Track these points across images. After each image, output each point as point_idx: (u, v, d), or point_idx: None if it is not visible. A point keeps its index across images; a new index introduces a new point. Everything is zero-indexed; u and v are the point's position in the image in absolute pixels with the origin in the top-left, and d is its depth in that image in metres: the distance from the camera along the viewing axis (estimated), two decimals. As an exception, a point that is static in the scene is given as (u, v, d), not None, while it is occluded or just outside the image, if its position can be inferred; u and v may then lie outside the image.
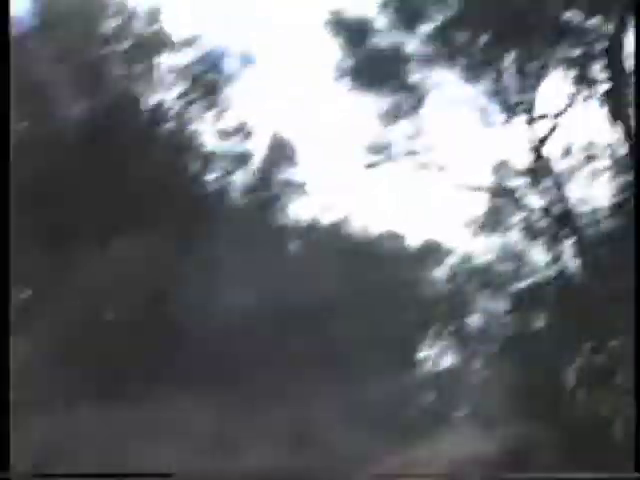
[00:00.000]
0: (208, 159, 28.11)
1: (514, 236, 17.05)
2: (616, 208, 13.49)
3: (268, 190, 30.33)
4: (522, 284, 24.83)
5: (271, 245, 29.08)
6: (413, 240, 37.86)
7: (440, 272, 37.80)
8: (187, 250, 23.64)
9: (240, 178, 29.27)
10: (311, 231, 32.86)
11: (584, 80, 15.72)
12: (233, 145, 28.45)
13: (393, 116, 19.39)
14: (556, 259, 15.11)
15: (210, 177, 28.18)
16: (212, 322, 21.76)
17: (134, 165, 23.86)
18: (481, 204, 18.19)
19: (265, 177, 30.20)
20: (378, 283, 32.45)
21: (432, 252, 37.25)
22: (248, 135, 28.87)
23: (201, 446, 17.62)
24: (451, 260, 37.50)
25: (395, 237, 36.42)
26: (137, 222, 22.66)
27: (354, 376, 27.95)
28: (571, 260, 15.32)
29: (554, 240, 15.03)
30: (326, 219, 33.59)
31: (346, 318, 28.71)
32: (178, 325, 21.50)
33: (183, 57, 25.46)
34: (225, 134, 28.12)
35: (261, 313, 24.07)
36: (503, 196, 15.94)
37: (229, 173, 28.65)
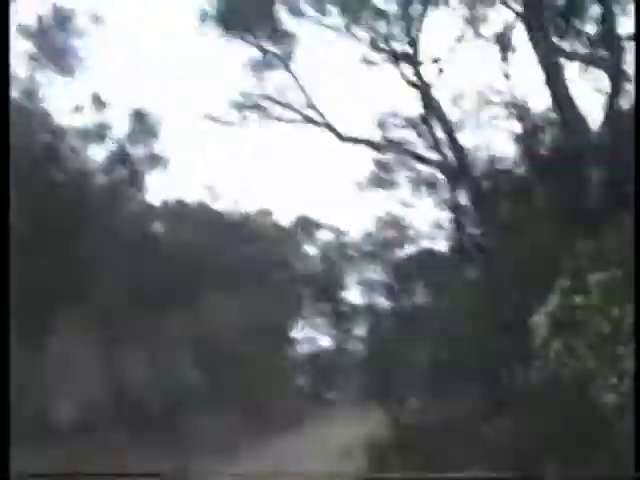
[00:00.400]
0: (59, 133, 25.45)
1: (402, 194, 15.40)
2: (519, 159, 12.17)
3: (128, 167, 27.80)
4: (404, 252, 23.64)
5: (133, 226, 26.83)
6: (286, 216, 36.30)
7: (313, 249, 36.43)
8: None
9: (96, 154, 26.70)
10: (177, 210, 30.68)
11: (473, 21, 14.35)
12: (87, 118, 25.94)
13: (264, 66, 17.53)
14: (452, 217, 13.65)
15: (63, 154, 25.44)
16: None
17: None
18: (366, 161, 16.39)
19: (124, 153, 27.67)
20: (248, 261, 30.79)
21: (305, 227, 35.81)
22: (102, 106, 26.38)
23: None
24: (325, 235, 36.18)
25: (266, 214, 34.63)
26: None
27: (223, 360, 26.26)
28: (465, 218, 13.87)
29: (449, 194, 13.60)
30: (192, 196, 31.49)
31: (215, 297, 26.89)
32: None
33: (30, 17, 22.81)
34: (78, 107, 25.57)
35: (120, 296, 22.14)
36: (390, 149, 14.27)
37: (83, 149, 26.08)
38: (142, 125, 27.51)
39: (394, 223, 24.40)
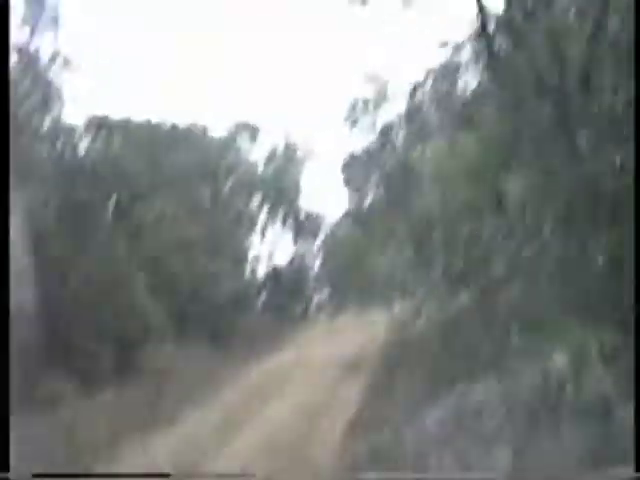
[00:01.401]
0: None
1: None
2: None
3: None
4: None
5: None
6: (222, 121, 33.01)
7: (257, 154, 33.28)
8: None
9: None
10: (103, 124, 26.77)
11: None
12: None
13: None
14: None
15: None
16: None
17: None
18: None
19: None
20: (190, 170, 27.64)
21: (244, 132, 32.54)
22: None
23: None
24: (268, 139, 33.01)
25: (200, 124, 31.02)
26: None
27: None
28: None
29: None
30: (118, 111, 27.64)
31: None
32: None
33: None
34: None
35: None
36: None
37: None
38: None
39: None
